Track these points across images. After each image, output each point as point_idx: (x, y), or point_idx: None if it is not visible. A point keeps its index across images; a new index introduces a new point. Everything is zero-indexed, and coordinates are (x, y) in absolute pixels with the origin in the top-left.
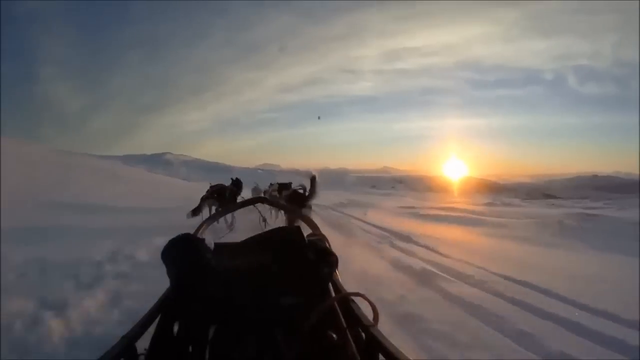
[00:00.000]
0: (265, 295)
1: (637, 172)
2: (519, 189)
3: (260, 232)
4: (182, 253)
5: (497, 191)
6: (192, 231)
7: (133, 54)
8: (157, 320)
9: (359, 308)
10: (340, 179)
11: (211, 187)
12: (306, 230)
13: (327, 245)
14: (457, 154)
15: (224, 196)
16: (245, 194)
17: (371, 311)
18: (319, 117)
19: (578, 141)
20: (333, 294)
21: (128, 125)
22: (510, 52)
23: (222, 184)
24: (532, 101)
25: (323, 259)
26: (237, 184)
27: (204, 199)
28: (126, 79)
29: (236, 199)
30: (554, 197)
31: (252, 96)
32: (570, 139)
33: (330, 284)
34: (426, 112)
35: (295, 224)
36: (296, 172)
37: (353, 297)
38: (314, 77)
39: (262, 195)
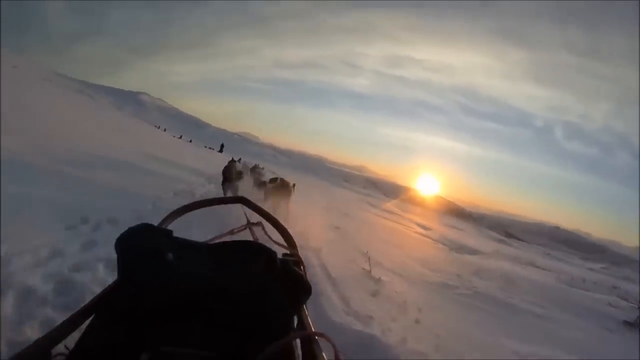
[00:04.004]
0: (220, 315)
1: (596, 235)
2: (483, 220)
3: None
4: (140, 246)
5: (464, 218)
6: None
7: None
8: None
9: (321, 351)
10: (316, 167)
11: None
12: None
13: (303, 270)
14: (431, 171)
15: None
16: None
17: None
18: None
19: (547, 190)
20: (296, 329)
21: (114, 59)
22: (506, 89)
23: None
24: (516, 141)
25: (294, 287)
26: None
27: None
28: (121, 15)
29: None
30: (516, 237)
31: (247, 63)
32: (540, 186)
33: (295, 317)
34: (413, 124)
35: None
36: (272, 147)
37: (318, 338)
38: (314, 61)
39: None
